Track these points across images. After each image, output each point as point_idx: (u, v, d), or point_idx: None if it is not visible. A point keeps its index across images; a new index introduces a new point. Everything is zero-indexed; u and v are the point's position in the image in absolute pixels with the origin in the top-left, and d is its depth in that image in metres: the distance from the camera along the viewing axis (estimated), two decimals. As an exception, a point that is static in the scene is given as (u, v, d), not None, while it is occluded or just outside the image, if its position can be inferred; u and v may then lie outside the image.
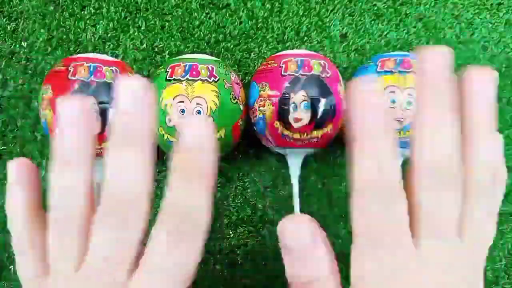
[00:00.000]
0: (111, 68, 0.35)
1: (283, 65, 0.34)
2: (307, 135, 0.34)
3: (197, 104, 0.34)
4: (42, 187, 0.41)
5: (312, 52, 0.36)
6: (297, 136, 0.34)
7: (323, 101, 0.33)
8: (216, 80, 0.34)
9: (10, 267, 0.38)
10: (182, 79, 0.34)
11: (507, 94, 0.43)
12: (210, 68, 0.35)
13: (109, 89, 0.34)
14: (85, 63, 0.34)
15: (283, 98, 0.33)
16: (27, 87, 0.43)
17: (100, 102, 0.33)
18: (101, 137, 0.34)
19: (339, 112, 0.34)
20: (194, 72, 0.34)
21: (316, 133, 0.34)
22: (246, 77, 0.44)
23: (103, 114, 0.34)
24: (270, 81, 0.34)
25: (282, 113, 0.34)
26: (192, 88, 0.34)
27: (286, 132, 0.34)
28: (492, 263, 0.39)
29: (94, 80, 0.34)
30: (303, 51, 0.36)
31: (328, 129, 0.34)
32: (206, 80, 0.34)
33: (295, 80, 0.33)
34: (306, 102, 0.33)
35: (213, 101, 0.34)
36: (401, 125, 0.34)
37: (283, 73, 0.34)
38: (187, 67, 0.35)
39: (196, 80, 0.34)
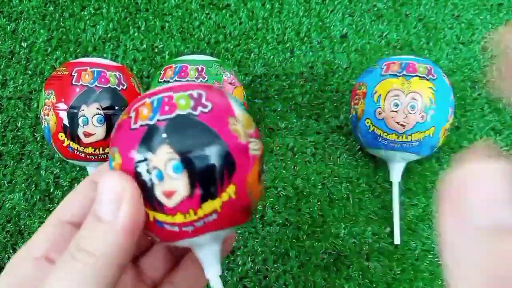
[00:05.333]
0: (114, 73, 0.35)
1: None
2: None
3: None
4: (43, 185, 0.41)
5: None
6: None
7: None
8: (204, 81, 0.34)
9: (10, 268, 0.39)
10: (170, 81, 0.34)
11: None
12: (199, 69, 0.35)
13: (113, 94, 0.34)
14: (88, 68, 0.34)
15: None
16: (27, 87, 0.43)
17: (104, 108, 0.33)
18: (106, 142, 0.34)
19: None
20: (182, 74, 0.34)
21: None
22: (246, 78, 0.44)
23: (108, 119, 0.34)
24: None
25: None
26: None
27: None
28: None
29: (98, 86, 0.34)
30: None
31: None
32: (194, 81, 0.34)
33: None
34: None
35: None
36: (404, 129, 0.34)
37: None
38: (177, 68, 0.35)
39: (184, 82, 0.34)
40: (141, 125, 0.17)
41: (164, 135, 0.17)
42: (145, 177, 0.17)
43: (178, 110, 0.17)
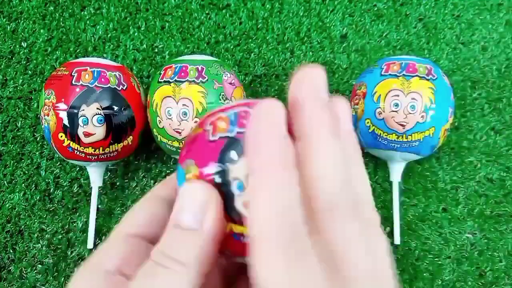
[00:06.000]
0: (114, 73, 0.35)
1: None
2: None
3: (183, 105, 0.34)
4: (43, 185, 0.41)
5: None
6: None
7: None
8: (204, 81, 0.34)
9: (10, 267, 0.38)
10: (170, 80, 0.34)
11: (507, 94, 0.43)
12: (199, 69, 0.35)
13: (113, 94, 0.34)
14: (88, 68, 0.34)
15: None
16: (27, 87, 0.43)
17: (104, 108, 0.34)
18: (106, 142, 0.34)
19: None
20: (182, 74, 0.34)
21: None
22: (246, 78, 0.44)
23: (108, 119, 0.34)
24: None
25: None
26: (179, 89, 0.34)
27: None
28: (492, 263, 0.39)
29: (98, 86, 0.34)
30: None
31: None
32: (194, 81, 0.34)
33: None
34: None
35: (200, 102, 0.34)
36: (404, 129, 0.34)
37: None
38: (177, 68, 0.35)
39: (183, 82, 0.34)
40: (220, 137, 0.18)
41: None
42: (224, 188, 0.17)
43: None
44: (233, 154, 0.17)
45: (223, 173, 0.17)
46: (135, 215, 0.20)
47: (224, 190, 0.17)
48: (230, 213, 0.17)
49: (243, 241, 0.18)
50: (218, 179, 0.17)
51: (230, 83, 0.36)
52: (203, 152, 0.18)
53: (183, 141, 0.34)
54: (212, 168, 0.17)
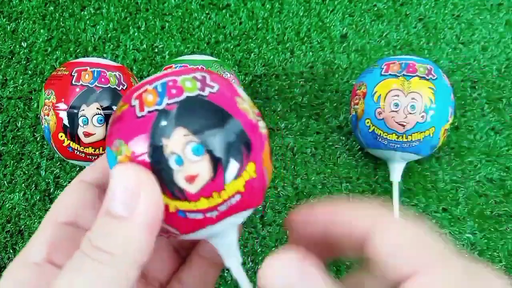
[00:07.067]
0: (114, 73, 0.35)
1: None
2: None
3: None
4: (43, 185, 0.41)
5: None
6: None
7: None
8: None
9: (10, 268, 0.38)
10: None
11: (507, 94, 0.43)
12: (199, 69, 0.35)
13: (113, 94, 0.34)
14: (88, 68, 0.34)
15: None
16: (27, 87, 0.43)
17: (104, 108, 0.34)
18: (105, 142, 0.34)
19: None
20: None
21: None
22: (246, 78, 0.44)
23: (108, 119, 0.34)
24: None
25: None
26: None
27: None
28: (492, 263, 0.39)
29: (98, 86, 0.34)
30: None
31: None
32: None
33: None
34: None
35: None
36: (404, 129, 0.34)
37: None
38: (177, 68, 0.35)
39: None
40: (149, 112, 0.16)
41: (177, 118, 0.16)
42: (162, 164, 0.16)
43: (186, 92, 0.17)
44: (165, 128, 0.16)
45: (158, 149, 0.16)
46: (62, 202, 0.19)
47: (162, 168, 0.16)
48: (172, 190, 0.16)
49: (190, 217, 0.17)
50: (153, 157, 0.16)
51: None
52: (132, 130, 0.16)
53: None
54: (144, 147, 0.16)
